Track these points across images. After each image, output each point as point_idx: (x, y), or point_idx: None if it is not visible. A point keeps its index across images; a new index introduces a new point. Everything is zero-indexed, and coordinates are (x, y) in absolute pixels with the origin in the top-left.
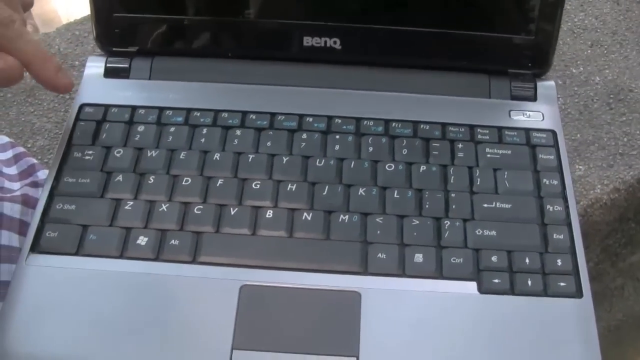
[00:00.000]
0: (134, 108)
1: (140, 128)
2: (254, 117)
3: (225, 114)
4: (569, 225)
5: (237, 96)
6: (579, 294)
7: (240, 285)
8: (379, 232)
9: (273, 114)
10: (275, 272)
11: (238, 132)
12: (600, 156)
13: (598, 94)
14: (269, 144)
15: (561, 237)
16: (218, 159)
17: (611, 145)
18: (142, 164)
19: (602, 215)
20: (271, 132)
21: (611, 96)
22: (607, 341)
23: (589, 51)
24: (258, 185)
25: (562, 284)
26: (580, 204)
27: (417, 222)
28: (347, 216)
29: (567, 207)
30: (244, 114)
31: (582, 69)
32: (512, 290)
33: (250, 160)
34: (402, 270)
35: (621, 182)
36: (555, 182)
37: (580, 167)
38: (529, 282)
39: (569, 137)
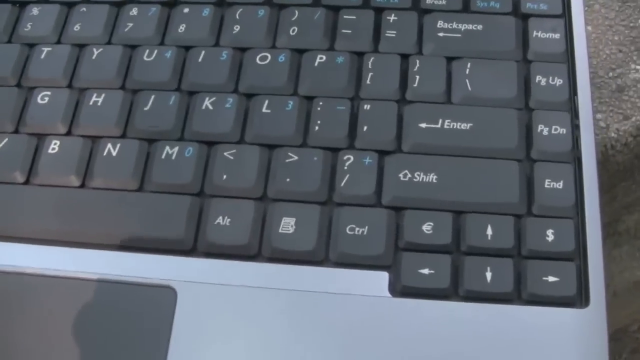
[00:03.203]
0: None
1: None
2: None
3: None
4: (577, 161)
5: None
6: (581, 298)
7: None
8: (225, 175)
9: None
10: (47, 249)
11: (35, 10)
12: None
13: None
14: (77, 27)
15: (559, 185)
16: None
17: None
18: None
19: None
20: (84, 8)
21: None
22: None
23: None
24: (47, 98)
25: (551, 278)
26: (632, 120)
27: (296, 157)
28: (177, 148)
29: (575, 128)
30: None
31: None
32: (454, 290)
33: (44, 54)
34: (258, 247)
35: None
36: (560, 82)
37: (639, 66)
38: (488, 275)
39: (624, 23)
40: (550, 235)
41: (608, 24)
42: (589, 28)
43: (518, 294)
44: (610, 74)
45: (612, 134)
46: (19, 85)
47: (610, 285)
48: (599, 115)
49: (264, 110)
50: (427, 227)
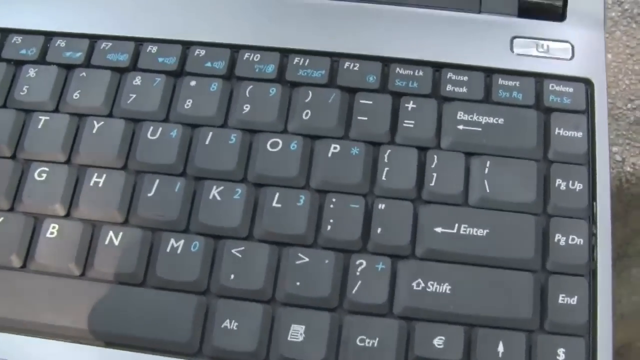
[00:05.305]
0: None
1: None
2: (62, 43)
3: (17, 39)
4: (592, 275)
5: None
6: None
7: None
8: (233, 275)
9: (93, 39)
10: (42, 342)
11: (32, 72)
12: None
13: None
14: (76, 95)
15: (573, 301)
16: None
17: None
18: None
19: None
20: (84, 73)
21: None
22: None
23: None
24: (44, 175)
25: None
26: None
27: (307, 258)
28: (182, 241)
29: (593, 237)
30: (47, 38)
31: None
32: None
33: (41, 124)
34: (265, 354)
35: None
36: (580, 187)
37: None
38: None
39: None
40: (561, 355)
41: (629, 52)
42: (609, 56)
43: None
44: (629, 105)
45: (628, 169)
46: (14, 157)
47: (617, 308)
48: (615, 148)
49: (274, 204)
50: (438, 342)
